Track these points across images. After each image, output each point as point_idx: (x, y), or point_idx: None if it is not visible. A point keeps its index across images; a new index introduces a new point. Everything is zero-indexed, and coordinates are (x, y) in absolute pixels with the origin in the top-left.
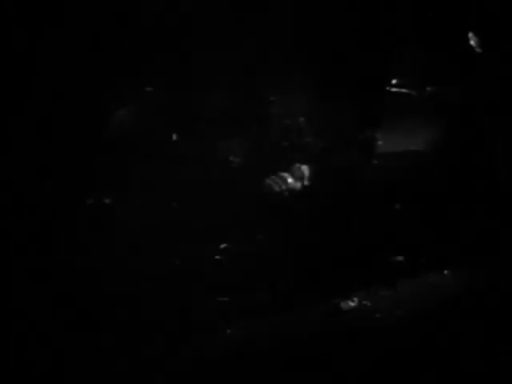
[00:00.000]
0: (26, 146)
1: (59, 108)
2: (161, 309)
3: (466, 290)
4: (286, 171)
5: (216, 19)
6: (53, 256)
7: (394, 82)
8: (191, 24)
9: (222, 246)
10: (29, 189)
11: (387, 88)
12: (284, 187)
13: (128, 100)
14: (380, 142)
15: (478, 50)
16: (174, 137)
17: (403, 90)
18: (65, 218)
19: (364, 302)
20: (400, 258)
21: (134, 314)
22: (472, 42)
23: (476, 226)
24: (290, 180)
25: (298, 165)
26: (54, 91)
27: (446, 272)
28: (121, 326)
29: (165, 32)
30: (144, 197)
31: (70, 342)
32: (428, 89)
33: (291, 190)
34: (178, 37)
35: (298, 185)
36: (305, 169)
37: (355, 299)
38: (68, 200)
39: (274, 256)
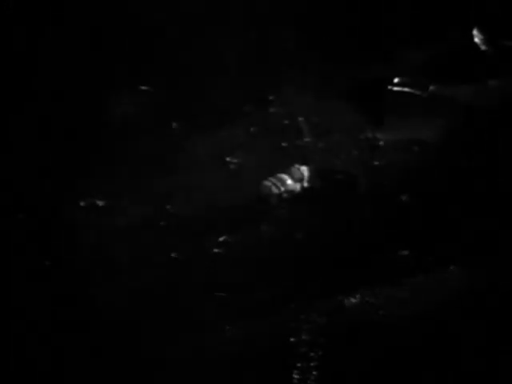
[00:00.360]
0: (26, 146)
1: (59, 108)
2: (161, 308)
3: (466, 290)
4: (284, 172)
5: (216, 18)
6: (53, 256)
7: (395, 81)
8: (190, 23)
9: (221, 247)
10: (29, 189)
11: (389, 87)
12: (283, 189)
13: (127, 99)
14: (381, 142)
15: (483, 47)
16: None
17: (405, 89)
18: (64, 218)
19: (367, 299)
20: (403, 256)
21: (134, 315)
22: (476, 40)
23: (476, 226)
24: (289, 181)
25: (297, 166)
26: (54, 91)
27: (447, 271)
28: (121, 326)
29: (164, 32)
30: (140, 198)
31: (70, 342)
32: (431, 88)
33: (290, 192)
34: (176, 36)
35: (298, 186)
36: (304, 170)
37: (357, 296)
38: (67, 200)
39: (274, 256)
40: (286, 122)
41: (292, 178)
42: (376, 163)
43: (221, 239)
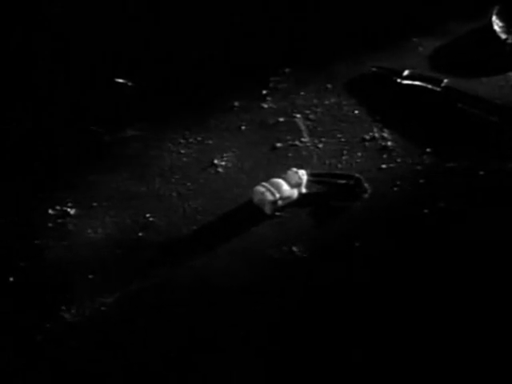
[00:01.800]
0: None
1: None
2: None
3: None
4: (280, 177)
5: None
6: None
7: (405, 73)
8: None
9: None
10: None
11: (398, 81)
12: (278, 195)
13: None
14: (389, 143)
15: (503, 36)
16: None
17: (417, 83)
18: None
19: None
20: None
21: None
22: (496, 28)
23: None
24: (285, 187)
25: (294, 169)
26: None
27: None
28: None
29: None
30: (128, 205)
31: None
32: (445, 81)
33: (286, 199)
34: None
35: (295, 192)
36: (302, 174)
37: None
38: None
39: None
40: (282, 119)
41: (289, 183)
42: (384, 166)
43: (207, 250)
